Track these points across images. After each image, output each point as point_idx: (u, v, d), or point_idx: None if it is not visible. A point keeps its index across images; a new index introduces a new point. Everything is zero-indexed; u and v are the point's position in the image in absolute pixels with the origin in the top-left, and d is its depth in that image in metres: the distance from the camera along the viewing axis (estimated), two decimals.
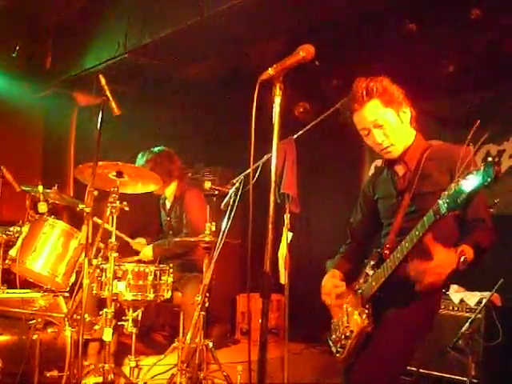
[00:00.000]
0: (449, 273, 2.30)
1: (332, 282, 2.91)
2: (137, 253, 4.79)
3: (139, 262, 4.56)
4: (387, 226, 2.84)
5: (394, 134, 2.67)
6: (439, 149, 2.73)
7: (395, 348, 2.58)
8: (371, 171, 6.19)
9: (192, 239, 4.37)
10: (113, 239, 3.63)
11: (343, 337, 2.81)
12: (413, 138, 2.75)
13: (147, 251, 4.70)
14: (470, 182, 2.05)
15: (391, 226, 2.74)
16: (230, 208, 3.65)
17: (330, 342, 2.99)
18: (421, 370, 4.72)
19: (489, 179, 1.98)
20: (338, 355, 2.85)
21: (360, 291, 2.75)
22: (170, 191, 4.97)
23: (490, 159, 2.01)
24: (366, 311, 2.66)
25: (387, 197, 2.87)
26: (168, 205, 5.02)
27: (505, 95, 5.16)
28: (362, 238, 3.11)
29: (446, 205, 2.17)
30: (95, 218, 3.69)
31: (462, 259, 2.29)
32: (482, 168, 1.99)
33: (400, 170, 2.78)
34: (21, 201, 4.20)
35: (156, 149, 4.85)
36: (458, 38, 4.98)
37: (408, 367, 4.80)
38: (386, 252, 2.65)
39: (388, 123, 2.65)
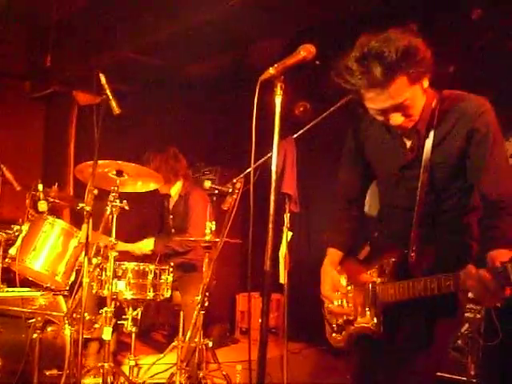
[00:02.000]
0: None
1: (332, 281, 2.56)
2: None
3: (139, 259, 4.55)
4: (393, 206, 2.55)
5: (415, 110, 2.21)
6: (451, 103, 2.26)
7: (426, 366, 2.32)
8: None
9: (192, 238, 4.38)
10: (112, 238, 3.63)
11: (343, 320, 2.57)
12: (425, 99, 2.26)
13: (147, 243, 4.70)
14: None
15: (412, 211, 2.33)
16: (230, 208, 3.65)
17: (325, 321, 2.76)
18: None
19: None
20: (333, 335, 2.66)
21: (371, 284, 2.41)
22: (175, 190, 4.98)
23: None
24: (380, 314, 2.35)
25: (389, 170, 2.48)
26: (172, 203, 5.02)
27: (504, 95, 5.15)
28: (355, 198, 2.76)
29: None
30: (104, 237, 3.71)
31: None
32: None
33: (408, 139, 2.35)
34: (21, 199, 4.20)
35: (161, 148, 4.85)
36: (458, 38, 4.98)
37: None
38: (413, 255, 2.29)
39: (412, 103, 2.17)
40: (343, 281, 2.58)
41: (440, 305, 2.18)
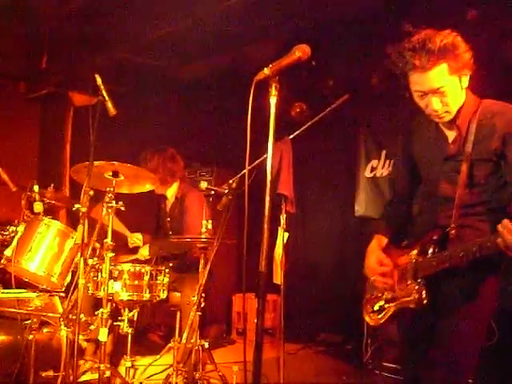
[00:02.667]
0: None
1: (377, 257, 2.79)
2: (132, 251, 4.78)
3: (135, 261, 4.55)
4: (434, 195, 2.71)
5: (453, 101, 2.49)
6: (491, 110, 2.56)
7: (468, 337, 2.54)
8: (367, 172, 6.21)
9: (188, 238, 4.38)
10: (109, 239, 3.63)
11: (385, 300, 2.77)
12: (464, 97, 2.55)
13: (144, 250, 4.69)
14: None
15: (452, 202, 2.57)
16: (226, 208, 3.65)
17: (365, 300, 2.94)
18: None
19: None
20: (372, 315, 2.85)
21: (414, 261, 2.61)
22: (172, 192, 4.96)
23: None
24: (423, 286, 2.53)
25: (433, 162, 2.73)
26: (169, 205, 5.01)
27: (503, 96, 5.16)
28: (404, 194, 3.00)
29: None
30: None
31: None
32: None
33: (451, 134, 2.62)
34: (16, 200, 4.18)
35: (159, 148, 4.84)
36: None
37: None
38: (453, 232, 2.52)
39: (450, 92, 2.46)
40: (386, 261, 2.79)
41: (480, 266, 2.37)
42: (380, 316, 2.80)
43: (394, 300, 2.71)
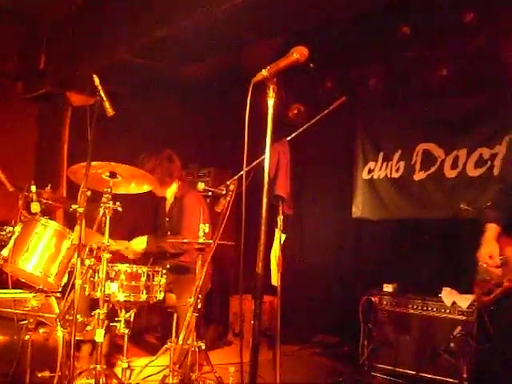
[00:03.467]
0: None
1: (489, 250, 3.09)
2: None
3: (132, 261, 4.53)
4: None
5: None
6: None
7: None
8: (365, 174, 6.22)
9: (185, 240, 4.37)
10: (106, 240, 3.62)
11: (493, 285, 3.13)
12: None
13: (140, 241, 4.62)
14: None
15: None
16: (223, 210, 3.65)
17: (476, 281, 3.29)
18: (412, 372, 4.74)
19: None
20: (483, 297, 3.21)
21: None
22: (171, 192, 4.97)
23: None
24: None
25: None
26: (168, 205, 5.01)
27: (497, 99, 5.18)
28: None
29: None
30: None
31: None
32: None
33: None
34: (13, 201, 4.17)
35: (156, 151, 4.84)
36: (451, 42, 5.00)
37: (400, 369, 4.85)
38: None
39: None
40: (495, 255, 3.11)
41: None
42: (487, 298, 3.18)
43: (499, 286, 3.08)
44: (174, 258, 4.70)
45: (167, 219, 4.98)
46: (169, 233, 4.92)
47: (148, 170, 4.41)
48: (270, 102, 2.07)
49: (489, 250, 3.10)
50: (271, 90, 2.07)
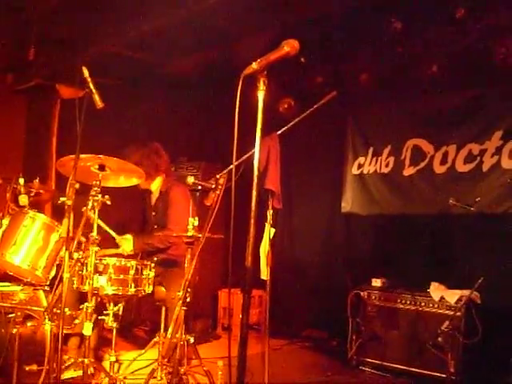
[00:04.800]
0: None
1: None
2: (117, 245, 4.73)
3: (118, 255, 4.51)
4: None
5: None
6: None
7: None
8: (354, 169, 6.23)
9: (174, 234, 4.36)
10: (94, 233, 3.60)
11: None
12: None
13: (127, 246, 4.56)
14: None
15: None
16: (213, 203, 3.64)
17: None
18: (400, 367, 4.77)
19: None
20: None
21: None
22: (156, 186, 4.95)
23: None
24: None
25: None
26: (153, 199, 5.00)
27: (487, 95, 5.20)
28: None
29: None
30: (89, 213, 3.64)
31: None
32: None
33: None
34: (1, 193, 4.15)
35: (143, 143, 4.82)
36: (442, 38, 5.01)
37: (388, 363, 4.88)
38: None
39: None
40: None
41: None
42: None
43: None
44: (162, 252, 4.69)
45: (153, 213, 4.97)
46: (156, 227, 4.91)
47: (134, 162, 4.38)
48: (260, 95, 2.06)
49: None
50: (261, 82, 2.06)
